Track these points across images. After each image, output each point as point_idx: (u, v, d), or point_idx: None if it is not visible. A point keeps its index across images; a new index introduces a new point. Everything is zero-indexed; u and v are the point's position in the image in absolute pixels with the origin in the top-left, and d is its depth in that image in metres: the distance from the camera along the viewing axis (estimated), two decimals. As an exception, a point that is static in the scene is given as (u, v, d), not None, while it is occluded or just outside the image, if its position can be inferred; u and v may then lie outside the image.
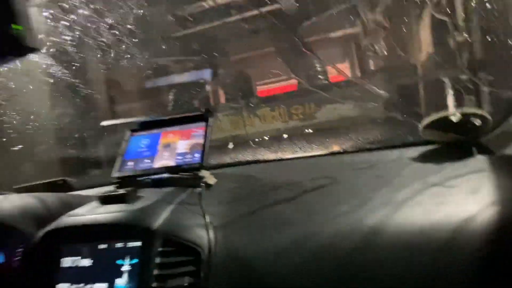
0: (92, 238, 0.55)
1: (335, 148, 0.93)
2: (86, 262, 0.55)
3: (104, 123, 0.75)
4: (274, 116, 1.51)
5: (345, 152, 0.89)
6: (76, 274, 0.55)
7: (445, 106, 0.71)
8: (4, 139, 1.32)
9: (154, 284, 0.47)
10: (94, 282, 0.53)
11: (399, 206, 0.48)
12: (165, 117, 0.74)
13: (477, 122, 0.65)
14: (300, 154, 1.09)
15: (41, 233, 0.58)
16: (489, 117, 0.64)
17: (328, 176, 0.69)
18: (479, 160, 0.61)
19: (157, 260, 0.49)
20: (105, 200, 0.60)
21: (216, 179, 0.70)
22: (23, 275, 0.57)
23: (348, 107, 1.43)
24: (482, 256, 0.40)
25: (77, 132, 1.19)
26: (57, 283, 0.55)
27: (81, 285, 0.54)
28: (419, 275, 0.41)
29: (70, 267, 0.56)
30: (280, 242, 0.49)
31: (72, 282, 0.54)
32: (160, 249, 0.49)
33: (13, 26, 0.39)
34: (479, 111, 0.64)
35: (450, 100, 0.74)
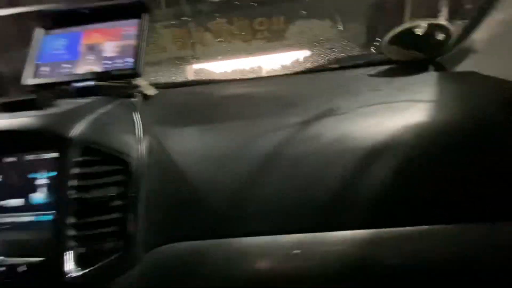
0: None
1: (296, 68, 0.87)
2: None
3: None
4: (232, 31, 1.25)
5: (307, 71, 0.83)
6: None
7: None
8: None
9: (74, 196, 0.41)
10: (7, 198, 0.46)
11: (344, 113, 0.47)
12: (86, 8, 0.58)
13: (441, 36, 0.62)
14: (258, 74, 1.03)
15: None
16: (452, 29, 0.60)
17: (283, 90, 0.65)
18: (431, 76, 0.60)
19: (76, 170, 0.42)
20: (9, 106, 0.49)
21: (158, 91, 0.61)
22: None
23: (325, 26, 1.24)
24: (408, 154, 0.41)
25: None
26: None
27: None
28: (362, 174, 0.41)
29: None
30: (222, 150, 0.45)
31: None
32: (79, 158, 0.42)
33: None
34: (443, 23, 0.60)
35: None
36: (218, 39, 1.23)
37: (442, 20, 0.61)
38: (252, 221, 0.41)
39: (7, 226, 0.46)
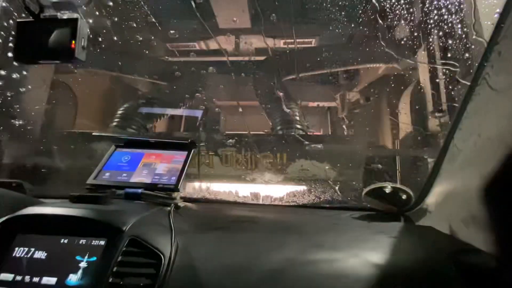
0: (55, 231, 0.59)
1: (295, 200, 1.09)
2: (41, 255, 0.57)
3: (95, 133, 0.85)
4: (239, 159, 1.51)
5: (301, 206, 1.05)
6: (26, 265, 0.56)
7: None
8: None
9: (110, 280, 0.52)
10: (43, 275, 0.55)
11: (330, 247, 0.65)
12: (152, 139, 0.86)
13: (404, 196, 0.87)
14: (257, 199, 1.24)
15: None
16: (411, 193, 0.85)
17: (285, 220, 0.84)
18: (400, 227, 0.80)
19: (119, 258, 0.54)
20: (77, 199, 0.66)
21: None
22: None
23: (324, 168, 1.49)
24: None
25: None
26: (1, 273, 0.56)
27: (27, 277, 0.55)
28: None
29: (21, 257, 0.57)
30: (237, 261, 0.59)
31: (18, 273, 0.55)
32: (124, 248, 0.56)
33: (72, 41, 0.54)
34: (404, 187, 0.86)
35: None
36: (224, 165, 1.50)
37: (403, 186, 0.88)
38: None
39: None
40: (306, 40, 2.99)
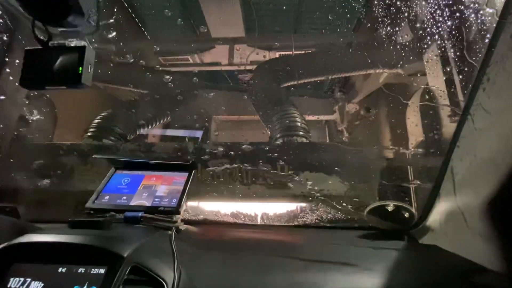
0: (53, 260, 0.59)
1: (296, 221, 1.12)
2: (37, 285, 0.57)
3: (95, 156, 0.88)
4: (232, 173, 1.38)
5: (303, 225, 1.08)
6: None
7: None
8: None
9: None
10: None
11: (334, 265, 0.67)
12: (152, 161, 0.89)
13: (406, 214, 0.91)
14: (260, 221, 1.26)
15: None
16: (414, 211, 0.89)
17: (288, 241, 0.87)
18: (404, 245, 0.83)
19: (120, 287, 0.55)
20: (77, 224, 0.68)
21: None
22: None
23: (335, 182, 1.35)
24: None
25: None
26: None
27: None
28: None
29: None
30: (243, 285, 0.62)
31: None
32: (126, 276, 0.57)
33: (79, 68, 0.58)
34: (406, 205, 0.90)
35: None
36: (216, 180, 1.39)
37: (405, 203, 0.92)
38: None
39: None
40: (304, 52, 3.09)
